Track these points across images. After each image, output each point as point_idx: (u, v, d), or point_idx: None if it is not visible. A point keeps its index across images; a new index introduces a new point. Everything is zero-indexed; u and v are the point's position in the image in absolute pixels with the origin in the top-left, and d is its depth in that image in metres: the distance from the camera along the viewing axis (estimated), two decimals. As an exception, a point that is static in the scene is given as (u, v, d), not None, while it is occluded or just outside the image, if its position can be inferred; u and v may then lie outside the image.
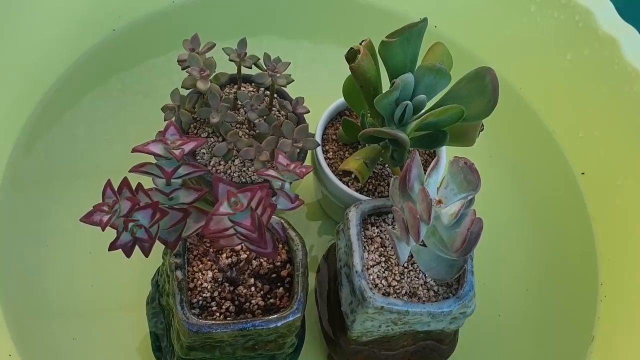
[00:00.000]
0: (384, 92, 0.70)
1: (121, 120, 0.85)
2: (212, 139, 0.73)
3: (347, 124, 0.75)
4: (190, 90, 0.71)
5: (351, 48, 0.68)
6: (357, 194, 0.72)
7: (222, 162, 0.71)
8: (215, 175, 0.53)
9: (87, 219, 0.52)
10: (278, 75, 0.69)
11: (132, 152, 0.55)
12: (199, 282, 0.62)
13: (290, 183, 0.58)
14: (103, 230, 0.51)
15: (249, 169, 0.72)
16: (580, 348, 0.75)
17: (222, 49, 0.71)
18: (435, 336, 0.68)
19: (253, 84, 0.76)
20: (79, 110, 0.86)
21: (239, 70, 0.72)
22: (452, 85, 0.68)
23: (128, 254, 0.53)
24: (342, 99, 0.78)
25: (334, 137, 0.77)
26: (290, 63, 0.70)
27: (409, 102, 0.66)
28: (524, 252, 0.82)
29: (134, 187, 0.54)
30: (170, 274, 0.61)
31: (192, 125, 0.73)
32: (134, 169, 0.55)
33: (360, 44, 0.69)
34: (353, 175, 0.68)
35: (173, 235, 0.56)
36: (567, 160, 0.85)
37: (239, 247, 0.64)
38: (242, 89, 0.75)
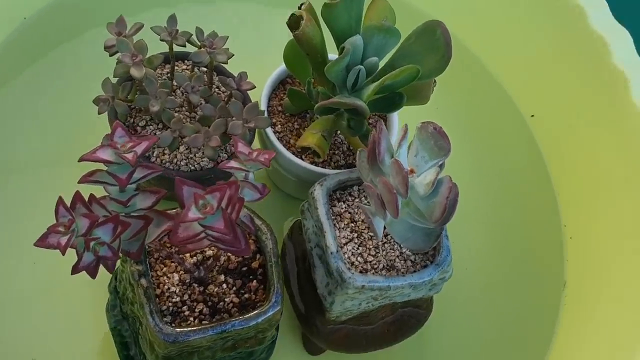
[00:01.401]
0: (330, 57, 0.67)
1: (46, 113, 0.79)
2: (151, 126, 0.67)
3: (293, 93, 0.71)
4: (119, 77, 0.65)
5: (292, 14, 0.63)
6: (314, 167, 0.69)
7: (166, 152, 0.66)
8: (178, 178, 0.48)
9: (43, 242, 0.47)
10: (217, 51, 0.63)
11: (79, 161, 0.49)
12: (166, 286, 0.58)
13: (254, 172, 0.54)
14: (63, 254, 0.46)
15: (196, 154, 0.67)
16: (553, 294, 0.74)
17: (151, 28, 0.65)
18: (413, 303, 0.66)
19: (186, 61, 0.71)
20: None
21: (171, 49, 0.67)
22: (401, 42, 0.65)
23: (93, 274, 0.48)
24: (282, 67, 0.74)
25: (279, 108, 0.73)
26: (228, 37, 0.65)
27: (361, 66, 0.62)
28: (484, 203, 0.81)
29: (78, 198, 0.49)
30: (134, 283, 0.57)
31: (127, 115, 0.67)
32: (84, 180, 0.50)
33: (300, 7, 0.64)
34: (311, 150, 0.65)
35: (135, 245, 0.52)
36: (515, 104, 0.84)
37: (203, 243, 0.60)
38: (176, 68, 0.69)
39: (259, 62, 0.75)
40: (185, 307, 0.57)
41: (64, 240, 0.46)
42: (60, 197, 0.48)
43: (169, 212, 0.55)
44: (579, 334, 0.71)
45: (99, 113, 0.64)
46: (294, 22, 0.63)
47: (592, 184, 0.77)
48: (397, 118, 0.72)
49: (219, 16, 0.90)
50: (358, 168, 0.59)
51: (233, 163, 0.53)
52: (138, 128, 0.67)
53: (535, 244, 0.78)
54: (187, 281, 0.58)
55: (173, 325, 0.56)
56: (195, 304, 0.58)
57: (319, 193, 0.62)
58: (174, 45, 0.66)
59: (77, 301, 0.70)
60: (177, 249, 0.57)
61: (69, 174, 0.74)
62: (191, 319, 0.57)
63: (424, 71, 0.62)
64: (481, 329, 0.75)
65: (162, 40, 0.65)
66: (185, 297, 0.58)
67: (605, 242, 0.73)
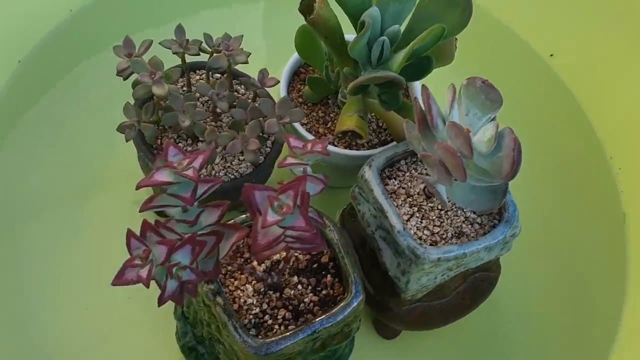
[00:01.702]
0: (346, 38, 0.65)
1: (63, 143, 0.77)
2: (180, 144, 0.65)
3: (313, 81, 0.69)
4: (139, 99, 0.63)
5: (302, 0, 0.61)
6: (351, 152, 0.67)
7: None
8: (247, 184, 0.46)
9: (120, 280, 0.45)
10: (234, 52, 0.61)
11: (137, 189, 0.47)
12: (242, 300, 0.56)
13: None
14: (148, 287, 0.44)
15: (232, 162, 0.65)
16: (615, 229, 0.72)
17: (159, 43, 0.63)
18: (482, 267, 0.64)
19: (198, 71, 0.69)
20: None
21: (183, 61, 0.64)
22: (416, 5, 0.63)
23: (180, 301, 0.46)
24: (293, 59, 0.72)
25: (300, 100, 0.71)
26: (243, 36, 0.62)
27: (384, 37, 0.60)
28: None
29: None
30: (211, 303, 0.54)
31: (156, 137, 0.64)
32: (145, 208, 0.47)
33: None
34: (349, 134, 0.63)
35: (210, 264, 0.50)
36: (531, 47, 0.82)
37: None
38: (192, 79, 0.67)
39: (266, 59, 0.73)
40: (267, 317, 0.55)
41: (144, 272, 0.44)
42: (129, 230, 0.45)
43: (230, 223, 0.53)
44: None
45: (127, 140, 0.62)
46: (306, 7, 0.61)
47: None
48: (418, 86, 0.71)
49: (210, 23, 0.88)
50: (408, 140, 0.57)
51: (291, 159, 0.51)
52: (168, 148, 0.64)
53: (586, 183, 0.77)
54: (261, 290, 0.56)
55: (260, 337, 0.54)
56: (276, 311, 0.56)
57: (370, 174, 0.60)
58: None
59: (142, 340, 0.68)
60: (256, 259, 0.55)
61: (98, 203, 0.74)
62: (276, 326, 0.55)
63: (447, 29, 0.61)
64: (549, 282, 0.74)
65: (174, 53, 0.63)
66: (264, 306, 0.56)
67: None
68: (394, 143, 0.68)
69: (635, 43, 0.76)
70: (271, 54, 0.71)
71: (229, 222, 0.52)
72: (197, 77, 0.68)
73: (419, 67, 0.63)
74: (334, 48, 0.63)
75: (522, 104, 0.81)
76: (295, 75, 0.73)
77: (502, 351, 0.72)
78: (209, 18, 0.87)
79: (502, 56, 0.84)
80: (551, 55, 0.81)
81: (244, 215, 0.58)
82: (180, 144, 0.65)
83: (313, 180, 0.51)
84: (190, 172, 0.46)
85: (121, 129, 0.62)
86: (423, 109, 0.55)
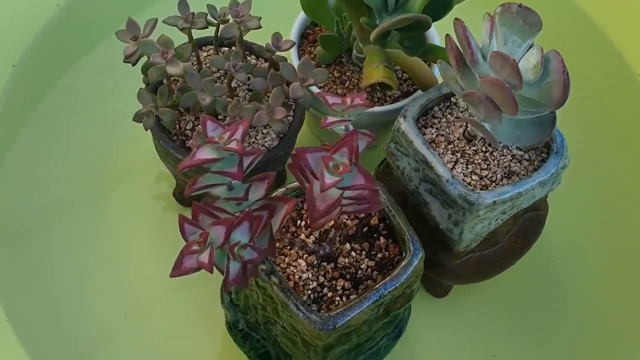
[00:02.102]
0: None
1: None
2: (200, 126, 0.61)
3: (325, 39, 0.65)
4: (150, 84, 0.59)
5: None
6: (376, 108, 0.64)
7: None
8: (298, 148, 0.43)
9: (180, 270, 0.41)
10: (245, 19, 0.58)
11: (180, 171, 0.44)
12: (296, 276, 0.52)
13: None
14: (212, 272, 0.41)
15: (256, 137, 0.61)
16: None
17: (163, 21, 0.59)
18: (532, 207, 0.62)
19: (205, 47, 0.65)
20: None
21: (190, 37, 0.60)
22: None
23: (245, 283, 0.43)
24: (299, 19, 0.69)
25: (313, 62, 0.68)
26: (251, 0, 0.59)
27: (400, -20, 0.57)
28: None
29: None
30: (266, 284, 0.51)
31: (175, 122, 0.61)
32: (190, 191, 0.44)
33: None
34: (377, 87, 0.60)
35: (265, 240, 0.46)
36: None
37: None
38: (200, 53, 0.63)
39: (267, 25, 0.69)
40: (325, 289, 0.52)
41: (204, 257, 0.41)
42: (181, 216, 0.42)
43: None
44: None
45: (146, 128, 0.58)
46: (313, -40, 0.58)
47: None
48: (433, 29, 0.67)
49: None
50: (445, 81, 0.54)
51: (332, 118, 0.47)
52: (187, 132, 0.61)
53: (619, 108, 0.74)
54: (315, 263, 0.53)
55: (323, 311, 0.51)
56: (334, 282, 0.52)
57: (406, 126, 0.57)
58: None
59: (190, 334, 0.65)
60: (290, 234, 0.52)
61: (119, 201, 0.70)
62: (337, 298, 0.52)
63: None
64: (597, 216, 0.72)
65: (181, 29, 0.59)
66: (321, 278, 0.52)
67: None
68: (419, 92, 0.65)
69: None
70: (272, 19, 0.67)
71: (276, 195, 0.49)
72: (205, 53, 0.65)
73: (438, 5, 0.59)
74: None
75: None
76: (303, 38, 0.69)
77: (555, 292, 0.69)
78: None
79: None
80: None
81: (282, 189, 0.55)
82: (199, 125, 0.61)
83: (360, 136, 0.48)
84: (234, 145, 0.43)
85: (138, 117, 0.58)
86: (458, 45, 0.51)
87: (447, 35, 0.52)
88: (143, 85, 0.60)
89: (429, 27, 0.57)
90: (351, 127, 0.49)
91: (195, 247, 0.41)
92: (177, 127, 0.61)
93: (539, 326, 0.68)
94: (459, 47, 0.51)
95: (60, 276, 0.67)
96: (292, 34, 0.68)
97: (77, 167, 0.73)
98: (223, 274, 0.42)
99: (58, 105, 0.75)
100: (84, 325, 0.65)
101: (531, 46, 0.52)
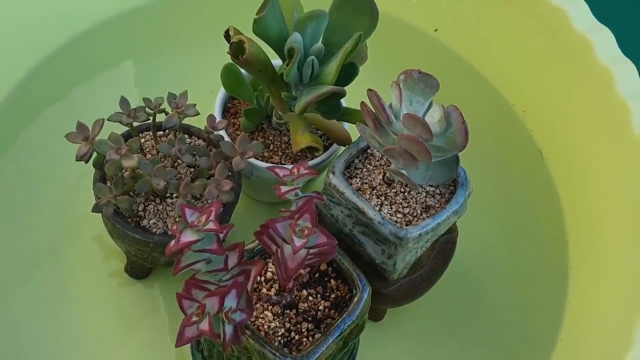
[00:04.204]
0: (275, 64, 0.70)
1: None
2: (150, 206, 0.68)
3: (249, 112, 0.74)
4: (100, 177, 0.66)
5: (232, 42, 0.66)
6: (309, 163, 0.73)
7: (177, 219, 0.67)
8: (268, 220, 0.51)
9: (183, 340, 0.48)
10: (183, 108, 0.65)
11: (169, 255, 0.51)
12: (265, 326, 0.60)
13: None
14: (215, 338, 0.48)
15: (202, 207, 0.68)
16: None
17: (107, 119, 0.66)
18: (446, 231, 0.72)
19: (142, 133, 0.72)
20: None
21: (132, 129, 0.67)
22: (328, 20, 0.69)
23: (239, 342, 0.50)
24: (220, 97, 0.77)
25: (237, 133, 0.76)
26: (187, 90, 0.66)
27: (312, 57, 0.66)
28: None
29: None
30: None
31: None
32: (178, 270, 0.51)
33: (228, 34, 0.67)
34: (305, 151, 0.68)
35: (244, 302, 0.54)
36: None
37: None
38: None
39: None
40: (292, 333, 0.60)
41: (205, 325, 0.48)
42: (178, 294, 0.49)
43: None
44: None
45: (107, 217, 0.64)
46: (235, 50, 0.66)
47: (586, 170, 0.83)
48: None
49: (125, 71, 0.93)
50: (365, 138, 0.64)
51: (284, 188, 0.56)
52: (140, 213, 0.67)
53: (497, 130, 0.86)
54: (279, 312, 0.61)
55: (294, 353, 0.59)
56: (298, 325, 0.61)
57: (336, 180, 0.66)
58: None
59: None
60: (285, 286, 0.59)
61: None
62: (304, 339, 0.60)
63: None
64: (495, 229, 0.84)
65: (125, 124, 0.66)
66: (287, 325, 0.60)
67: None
68: (335, 145, 0.75)
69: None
70: (191, 96, 0.75)
71: (246, 260, 0.56)
72: (143, 139, 0.71)
73: (346, 73, 0.69)
74: (268, 78, 0.69)
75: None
76: (225, 112, 0.77)
77: (474, 299, 0.80)
78: (111, 79, 0.90)
79: (393, 42, 0.92)
80: (435, 30, 0.90)
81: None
82: (150, 206, 0.68)
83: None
84: (212, 225, 0.50)
85: (98, 208, 0.64)
86: (373, 110, 0.61)
87: (362, 102, 0.62)
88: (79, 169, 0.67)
89: (344, 96, 0.67)
90: (300, 193, 0.57)
91: (194, 318, 0.48)
92: (131, 210, 0.67)
93: (463, 330, 0.78)
94: (375, 112, 0.61)
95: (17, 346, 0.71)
96: (216, 110, 0.76)
97: (27, 251, 0.78)
98: (219, 339, 0.50)
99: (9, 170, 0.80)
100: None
101: (431, 103, 0.62)
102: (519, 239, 0.83)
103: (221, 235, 0.52)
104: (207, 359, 0.66)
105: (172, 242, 0.50)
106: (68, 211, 0.78)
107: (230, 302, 0.50)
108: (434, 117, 0.60)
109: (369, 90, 0.61)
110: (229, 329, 0.49)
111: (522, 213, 0.84)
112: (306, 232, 0.50)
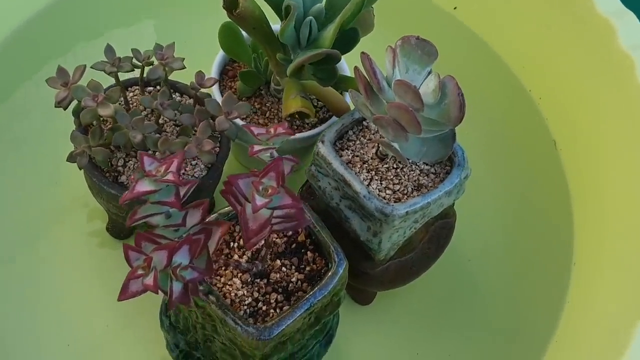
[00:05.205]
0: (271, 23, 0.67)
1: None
2: (130, 161, 0.65)
3: (245, 75, 0.70)
4: (78, 126, 0.63)
5: (225, -4, 0.63)
6: (296, 135, 0.70)
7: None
8: (229, 176, 0.47)
9: (126, 294, 0.46)
10: (169, 61, 0.62)
11: (120, 203, 0.48)
12: (232, 294, 0.57)
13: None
14: (157, 293, 0.45)
15: (186, 168, 0.65)
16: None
17: (91, 67, 0.63)
18: (442, 214, 0.68)
19: (130, 88, 0.69)
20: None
21: (117, 80, 0.65)
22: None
23: (188, 301, 0.47)
24: (218, 58, 0.74)
25: (234, 96, 0.72)
26: (174, 42, 0.63)
27: (310, 17, 0.63)
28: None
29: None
30: (204, 304, 0.55)
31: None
32: (132, 221, 0.48)
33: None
34: (296, 116, 0.65)
35: (203, 262, 0.51)
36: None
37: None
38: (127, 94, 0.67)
39: (189, 64, 0.74)
40: (260, 304, 0.57)
41: (149, 280, 0.45)
42: (125, 245, 0.46)
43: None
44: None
45: (80, 168, 0.62)
46: (230, 4, 0.63)
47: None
48: (344, 60, 0.73)
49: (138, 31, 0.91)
50: (357, 107, 0.60)
51: (256, 147, 0.52)
52: (119, 168, 0.65)
53: (513, 117, 0.81)
54: (249, 280, 0.58)
55: (259, 323, 0.55)
56: (267, 296, 0.57)
57: (325, 150, 0.63)
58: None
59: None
60: (247, 247, 0.56)
61: (53, 240, 0.73)
62: (271, 311, 0.57)
63: (366, -1, 0.64)
64: (498, 216, 0.79)
65: (108, 73, 0.63)
66: (255, 294, 0.57)
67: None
68: (334, 118, 0.71)
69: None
70: (193, 58, 0.72)
71: (211, 220, 0.53)
72: (131, 94, 0.69)
73: (347, 39, 0.65)
74: (263, 37, 0.65)
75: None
76: (224, 75, 0.74)
77: (470, 291, 0.76)
78: (116, 37, 0.87)
79: (411, 16, 0.88)
80: (455, 8, 0.86)
81: (214, 214, 0.59)
82: (130, 162, 0.65)
83: (285, 161, 0.53)
84: (170, 177, 0.47)
85: (72, 158, 0.61)
86: (365, 75, 0.57)
87: (356, 67, 0.58)
88: (72, 127, 0.64)
89: (339, 60, 0.63)
90: (276, 154, 0.54)
91: (140, 272, 0.45)
92: (109, 164, 0.65)
93: (455, 322, 0.74)
94: (367, 77, 0.57)
95: (1, 310, 0.70)
96: (213, 71, 0.73)
97: (9, 207, 0.75)
98: (166, 295, 0.47)
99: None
100: (28, 357, 0.67)
101: (429, 73, 0.58)
102: (523, 233, 0.78)
103: (181, 189, 0.49)
104: (174, 325, 0.63)
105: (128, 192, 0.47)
106: (57, 167, 0.75)
107: (181, 258, 0.47)
108: (428, 87, 0.56)
109: (362, 53, 0.57)
110: (177, 286, 0.46)
111: (528, 205, 0.80)
112: (270, 191, 0.47)
